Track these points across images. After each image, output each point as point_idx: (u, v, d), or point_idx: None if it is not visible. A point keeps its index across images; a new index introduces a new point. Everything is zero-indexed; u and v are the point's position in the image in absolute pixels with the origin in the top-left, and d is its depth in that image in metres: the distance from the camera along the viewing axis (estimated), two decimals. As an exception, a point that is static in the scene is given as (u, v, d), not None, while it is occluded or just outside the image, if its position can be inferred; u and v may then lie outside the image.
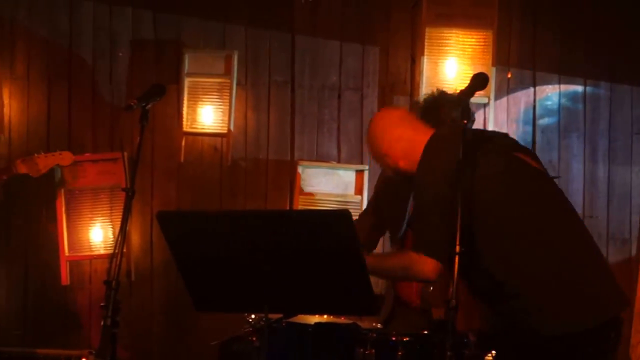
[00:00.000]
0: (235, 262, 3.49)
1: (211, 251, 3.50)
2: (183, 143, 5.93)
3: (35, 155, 4.33)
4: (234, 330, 4.37)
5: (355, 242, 3.42)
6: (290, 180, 5.89)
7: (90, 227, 5.88)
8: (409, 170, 3.77)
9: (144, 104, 4.00)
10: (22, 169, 4.31)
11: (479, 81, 3.70)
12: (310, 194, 5.78)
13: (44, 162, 4.34)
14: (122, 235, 3.74)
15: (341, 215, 3.43)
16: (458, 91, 3.73)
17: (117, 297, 3.64)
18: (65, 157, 4.36)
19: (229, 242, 3.46)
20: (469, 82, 3.69)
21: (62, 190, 5.77)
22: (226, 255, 3.48)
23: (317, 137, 5.98)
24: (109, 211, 5.89)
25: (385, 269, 3.84)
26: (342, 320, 4.03)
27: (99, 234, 5.88)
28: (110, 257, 5.65)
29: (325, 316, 4.02)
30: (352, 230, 3.38)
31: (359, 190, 5.77)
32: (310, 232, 3.40)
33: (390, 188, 4.70)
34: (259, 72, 6.00)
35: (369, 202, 4.93)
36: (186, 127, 5.90)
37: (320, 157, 5.93)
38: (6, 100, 6.01)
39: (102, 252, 5.89)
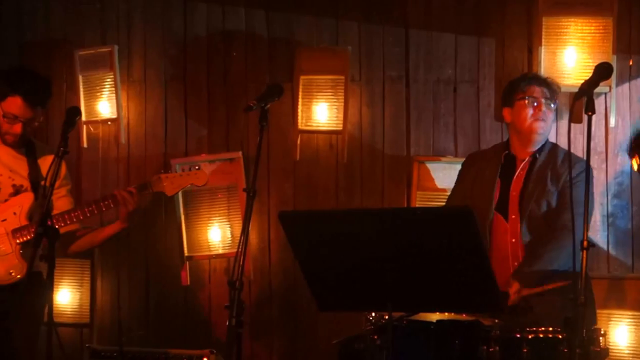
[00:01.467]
0: (357, 261, 3.46)
1: (333, 250, 3.48)
2: (298, 141, 5.92)
3: (171, 174, 4.40)
4: (354, 329, 4.35)
5: (478, 238, 3.36)
6: (407, 177, 5.82)
7: (208, 227, 5.94)
8: None
9: (263, 104, 4.01)
10: (157, 187, 4.40)
11: (603, 71, 3.62)
12: (428, 190, 5.71)
13: (179, 181, 4.41)
14: (245, 236, 3.74)
15: (463, 212, 3.37)
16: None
17: (241, 297, 3.65)
18: (200, 177, 4.42)
19: (351, 241, 3.43)
20: (591, 72, 3.61)
21: (180, 191, 5.83)
22: (348, 254, 3.46)
23: (433, 131, 5.89)
24: (226, 211, 5.93)
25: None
26: (463, 317, 3.97)
27: (217, 234, 5.92)
28: (233, 257, 5.82)
29: (446, 313, 3.97)
30: (475, 226, 3.32)
31: (476, 185, 5.67)
32: (432, 229, 3.36)
33: (476, 174, 4.65)
34: (373, 68, 5.95)
35: (453, 190, 4.89)
36: (301, 125, 5.89)
37: (436, 152, 5.85)
38: (124, 104, 6.11)
39: (220, 251, 5.93)
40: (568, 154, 3.88)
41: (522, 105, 4.65)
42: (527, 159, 4.68)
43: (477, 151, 4.91)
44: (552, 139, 5.35)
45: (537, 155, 4.66)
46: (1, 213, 4.42)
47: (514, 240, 4.54)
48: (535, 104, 4.65)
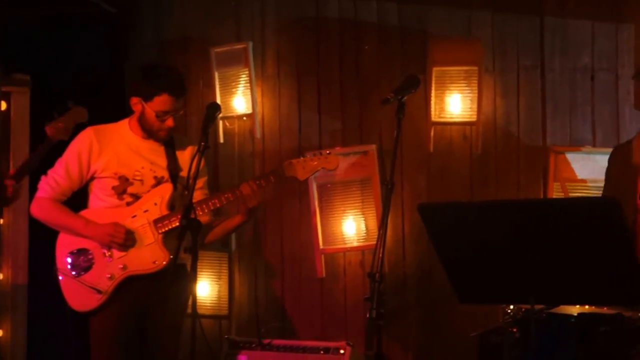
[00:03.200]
0: (499, 253, 3.42)
1: (474, 242, 3.45)
2: (432, 133, 5.89)
3: (302, 158, 4.41)
4: (490, 322, 4.31)
5: (626, 230, 3.28)
6: (543, 168, 5.73)
7: (342, 220, 5.96)
8: None
9: (400, 97, 4.00)
10: (289, 172, 4.43)
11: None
12: (565, 181, 5.60)
13: (311, 165, 4.43)
14: (384, 228, 3.74)
15: (609, 202, 3.30)
16: None
17: (381, 289, 3.65)
18: (331, 161, 4.43)
19: (492, 233, 3.40)
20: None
21: (315, 184, 5.89)
22: (490, 246, 3.43)
23: (570, 121, 5.78)
24: (360, 204, 5.94)
25: None
26: (604, 310, 3.89)
27: (351, 227, 5.95)
28: (368, 249, 5.85)
29: (586, 306, 3.89)
30: (621, 217, 3.24)
31: (616, 176, 5.54)
32: (576, 220, 3.29)
33: (619, 168, 4.51)
34: (506, 58, 5.88)
35: (603, 188, 4.76)
36: (434, 116, 5.86)
37: (574, 142, 5.74)
38: (259, 99, 6.19)
39: (355, 244, 5.95)
40: None
41: None
42: None
43: (622, 143, 4.75)
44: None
45: None
46: (143, 204, 4.53)
47: None
48: None
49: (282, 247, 6.14)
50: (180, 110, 4.54)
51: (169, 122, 4.50)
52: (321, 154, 4.44)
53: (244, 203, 4.50)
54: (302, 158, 4.42)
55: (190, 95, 6.29)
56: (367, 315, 3.61)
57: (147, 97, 4.49)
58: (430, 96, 5.84)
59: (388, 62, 6.06)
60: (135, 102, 4.54)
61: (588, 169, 5.56)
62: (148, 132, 4.58)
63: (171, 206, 4.53)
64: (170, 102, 4.47)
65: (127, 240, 4.47)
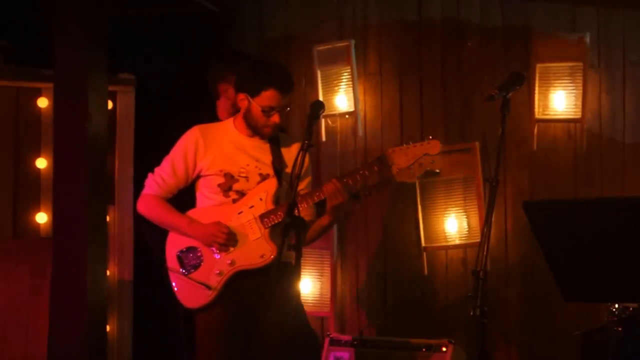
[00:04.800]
0: (606, 251, 3.39)
1: (580, 240, 3.42)
2: (535, 130, 5.84)
3: (404, 145, 4.38)
4: (593, 320, 4.25)
5: None
6: (648, 164, 5.63)
7: (445, 218, 5.96)
8: None
9: (504, 93, 3.98)
10: (392, 160, 4.39)
11: None
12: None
13: (413, 152, 4.39)
14: (488, 226, 3.73)
15: None
16: None
17: (485, 287, 3.63)
18: (433, 146, 4.37)
19: (599, 230, 3.36)
20: None
21: (417, 182, 5.89)
22: (596, 244, 3.40)
23: (680, 117, 5.66)
24: (462, 201, 5.93)
25: None
26: None
27: (453, 224, 5.94)
28: (470, 247, 5.82)
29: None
30: None
31: None
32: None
33: None
34: (612, 53, 5.78)
35: None
36: (538, 114, 5.80)
37: (683, 139, 5.63)
38: (361, 97, 6.23)
39: (457, 242, 5.94)
40: None
41: None
42: None
43: None
44: None
45: None
46: (249, 200, 4.58)
47: None
48: None
49: (385, 244, 6.15)
50: (287, 106, 4.57)
51: (275, 118, 4.54)
52: (423, 139, 4.39)
53: (329, 201, 4.49)
54: (404, 146, 4.37)
55: (293, 93, 6.36)
56: (471, 313, 3.60)
57: (254, 92, 4.53)
58: (533, 93, 5.79)
59: (491, 59, 6.03)
60: (242, 98, 4.59)
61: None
62: (253, 128, 4.63)
63: (276, 201, 4.57)
64: (277, 98, 4.50)
65: (229, 240, 4.53)
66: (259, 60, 4.81)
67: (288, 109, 4.60)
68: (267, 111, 4.51)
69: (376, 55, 6.26)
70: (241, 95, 4.58)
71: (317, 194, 4.49)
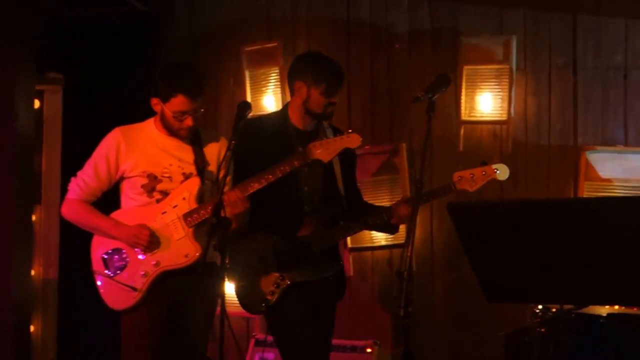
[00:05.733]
0: (528, 253, 3.41)
1: (503, 241, 3.44)
2: (462, 132, 5.88)
3: (324, 139, 4.37)
4: (518, 321, 4.29)
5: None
6: (574, 167, 5.69)
7: (371, 219, 5.95)
8: None
9: (430, 95, 3.99)
10: (314, 155, 4.38)
11: None
12: (596, 180, 5.56)
13: (334, 145, 4.38)
14: (412, 226, 3.73)
15: (640, 202, 3.29)
16: None
17: (409, 288, 3.63)
18: (353, 139, 4.38)
19: (521, 232, 3.38)
20: None
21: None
22: (519, 246, 3.41)
23: (602, 120, 5.74)
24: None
25: None
26: (634, 310, 3.87)
27: (380, 225, 5.94)
28: (396, 248, 5.84)
29: (615, 307, 3.87)
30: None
31: (649, 175, 5.49)
32: (607, 220, 3.26)
33: None
34: (538, 56, 5.85)
35: None
36: (464, 115, 5.85)
37: (605, 141, 5.69)
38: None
39: (383, 243, 5.95)
40: None
41: None
42: None
43: None
44: None
45: None
46: (172, 200, 4.56)
47: None
48: None
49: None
50: (200, 109, 4.54)
51: (188, 121, 4.52)
52: (342, 133, 4.40)
53: (228, 210, 4.45)
54: (324, 140, 4.37)
55: (222, 93, 6.33)
56: (397, 314, 3.60)
57: (165, 98, 4.52)
58: (460, 95, 5.83)
59: (419, 60, 6.05)
60: (155, 103, 4.58)
61: (620, 169, 5.53)
62: (170, 130, 4.61)
63: (200, 200, 4.55)
64: (186, 103, 4.48)
65: (152, 241, 4.51)
66: (170, 65, 4.75)
67: (202, 110, 4.56)
68: (177, 116, 4.49)
69: (304, 55, 6.24)
70: (154, 100, 4.58)
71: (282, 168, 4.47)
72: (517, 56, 5.81)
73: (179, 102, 4.49)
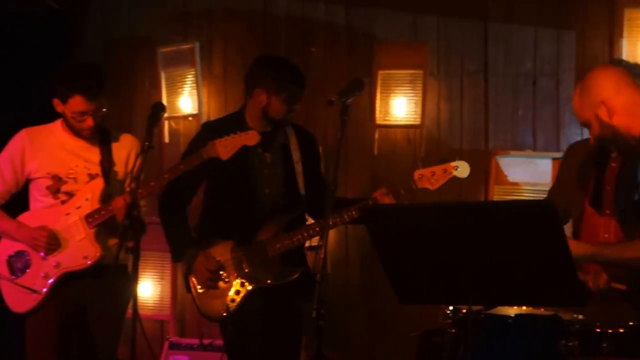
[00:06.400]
0: (438, 254, 3.46)
1: (414, 244, 3.48)
2: (376, 136, 5.95)
3: (223, 138, 4.36)
4: (431, 323, 4.34)
5: (561, 232, 3.33)
6: (485, 171, 5.80)
7: (285, 221, 5.97)
8: (618, 129, 3.66)
9: (344, 99, 4.02)
10: (211, 152, 4.36)
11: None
12: (506, 184, 5.68)
13: (232, 142, 4.37)
14: (326, 229, 3.77)
15: (545, 206, 3.36)
16: None
17: (322, 290, 3.67)
18: (252, 136, 4.37)
19: (432, 234, 3.43)
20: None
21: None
22: (429, 248, 3.46)
23: (512, 125, 5.86)
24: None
25: (630, 259, 3.79)
26: (541, 311, 3.95)
27: (295, 227, 5.96)
28: (310, 251, 5.86)
29: (524, 307, 3.95)
30: (556, 220, 3.30)
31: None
32: (513, 223, 3.34)
33: (571, 165, 4.53)
34: (451, 62, 5.95)
35: (549, 192, 4.80)
36: (379, 119, 5.92)
37: (515, 146, 5.82)
38: (205, 99, 6.20)
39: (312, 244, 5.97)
40: None
41: None
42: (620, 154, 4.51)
43: (577, 141, 4.79)
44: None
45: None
46: (76, 201, 4.54)
47: (606, 235, 4.44)
48: None
49: (227, 247, 6.13)
50: (101, 109, 4.52)
51: (88, 122, 4.50)
52: (242, 131, 4.39)
53: (117, 216, 4.42)
54: (223, 138, 4.35)
55: (136, 94, 6.29)
56: (314, 316, 3.63)
57: (64, 99, 4.49)
58: (375, 99, 5.89)
59: (335, 64, 6.10)
60: (57, 104, 4.55)
61: (529, 173, 5.65)
62: (74, 131, 4.59)
63: (104, 201, 4.52)
64: (84, 103, 4.46)
65: (52, 243, 4.47)
66: (68, 66, 4.72)
67: (104, 110, 4.54)
68: (76, 117, 4.47)
69: (221, 58, 6.25)
70: (55, 101, 4.55)
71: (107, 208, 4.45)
72: (431, 62, 5.90)
73: (77, 103, 4.46)
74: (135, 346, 3.87)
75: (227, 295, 4.54)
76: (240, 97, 6.17)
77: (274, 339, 4.53)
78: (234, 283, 4.55)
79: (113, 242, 4.40)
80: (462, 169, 4.55)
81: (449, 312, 3.97)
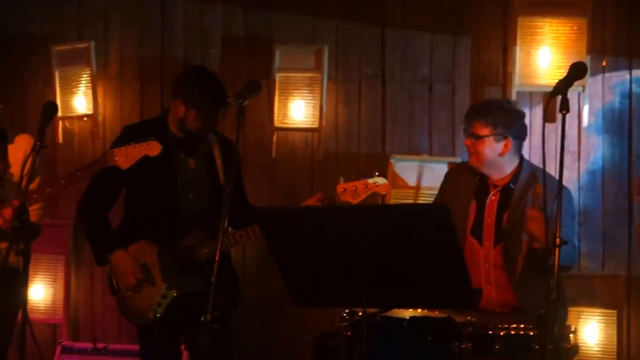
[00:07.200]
0: (333, 257, 3.48)
1: (309, 246, 3.50)
2: (274, 138, 5.95)
3: (124, 147, 4.29)
4: (329, 326, 4.36)
5: (454, 235, 3.38)
6: (382, 174, 5.83)
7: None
8: None
9: (240, 101, 4.01)
10: (110, 161, 4.30)
11: (577, 70, 3.65)
12: (403, 188, 5.73)
13: (132, 152, 4.30)
14: (222, 231, 3.75)
15: (440, 208, 3.41)
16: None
17: (217, 293, 3.65)
18: (153, 147, 4.32)
19: (327, 237, 3.45)
20: (565, 71, 3.63)
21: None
22: (324, 250, 3.48)
23: (409, 130, 5.93)
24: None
25: None
26: (436, 314, 4.00)
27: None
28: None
29: (419, 310, 4.00)
30: (450, 223, 3.34)
31: (451, 183, 5.70)
32: (408, 226, 3.37)
33: (454, 192, 4.64)
34: (349, 66, 5.98)
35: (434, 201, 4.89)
36: (277, 122, 5.92)
37: (411, 150, 5.88)
38: (100, 100, 6.11)
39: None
40: (545, 177, 3.75)
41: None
42: (500, 187, 4.56)
43: (459, 164, 4.87)
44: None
45: (512, 186, 4.53)
46: None
47: (486, 265, 4.52)
48: (466, 138, 4.59)
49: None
50: None
51: None
52: (143, 141, 4.34)
53: None
54: (124, 147, 4.29)
55: (30, 93, 6.18)
56: (201, 319, 3.62)
57: None
58: (273, 102, 5.89)
59: (234, 66, 6.07)
60: None
61: (425, 177, 5.71)
62: None
63: None
64: None
65: None
66: None
67: None
68: None
69: (117, 59, 6.17)
70: None
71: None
72: (329, 65, 5.92)
73: None
74: (24, 351, 3.78)
75: (154, 299, 4.52)
76: (137, 98, 6.12)
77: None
78: (162, 287, 4.53)
79: (4, 245, 4.29)
80: (380, 185, 4.62)
81: (345, 315, 4.00)
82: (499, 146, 4.50)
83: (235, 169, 4.77)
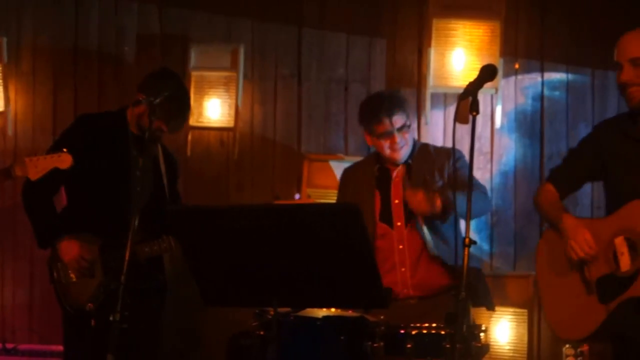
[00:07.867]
0: (244, 256, 3.47)
1: (220, 246, 3.49)
2: (189, 137, 5.92)
3: (35, 157, 4.18)
4: (242, 325, 4.36)
5: (365, 235, 3.40)
6: (297, 174, 5.86)
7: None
8: None
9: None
10: (19, 171, 4.19)
11: (487, 73, 3.69)
12: (318, 187, 5.76)
13: (43, 164, 4.21)
14: (132, 230, 3.72)
15: (351, 208, 3.42)
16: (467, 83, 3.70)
17: (125, 293, 3.63)
18: (64, 160, 4.22)
19: (238, 236, 3.44)
20: (477, 73, 3.68)
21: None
22: (235, 250, 3.47)
23: (324, 130, 5.96)
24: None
25: None
26: (349, 313, 4.02)
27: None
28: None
29: (332, 309, 4.01)
30: (361, 223, 3.36)
31: (366, 183, 5.74)
32: (319, 225, 3.38)
33: (354, 190, 4.71)
34: (265, 66, 5.99)
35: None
36: (192, 121, 5.88)
37: (327, 150, 5.91)
38: (12, 96, 6.00)
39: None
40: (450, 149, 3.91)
41: (378, 142, 4.63)
42: (399, 167, 4.67)
43: (350, 166, 4.92)
44: (439, 140, 5.50)
45: (410, 161, 4.65)
46: None
47: (401, 246, 4.59)
48: (389, 137, 4.59)
49: (32, 248, 5.94)
50: None
51: None
52: (55, 152, 4.27)
53: None
54: (35, 157, 4.20)
55: None
56: (110, 318, 3.59)
57: None
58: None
59: (148, 64, 6.00)
60: None
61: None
62: None
63: None
64: None
65: None
66: None
67: None
68: None
69: (30, 54, 6.07)
70: None
71: None
72: (245, 65, 5.91)
73: None
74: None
75: (92, 290, 4.50)
76: (50, 94, 6.03)
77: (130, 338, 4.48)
78: (102, 280, 4.51)
79: None
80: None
81: (258, 314, 4.00)
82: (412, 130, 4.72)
83: (174, 181, 4.92)
